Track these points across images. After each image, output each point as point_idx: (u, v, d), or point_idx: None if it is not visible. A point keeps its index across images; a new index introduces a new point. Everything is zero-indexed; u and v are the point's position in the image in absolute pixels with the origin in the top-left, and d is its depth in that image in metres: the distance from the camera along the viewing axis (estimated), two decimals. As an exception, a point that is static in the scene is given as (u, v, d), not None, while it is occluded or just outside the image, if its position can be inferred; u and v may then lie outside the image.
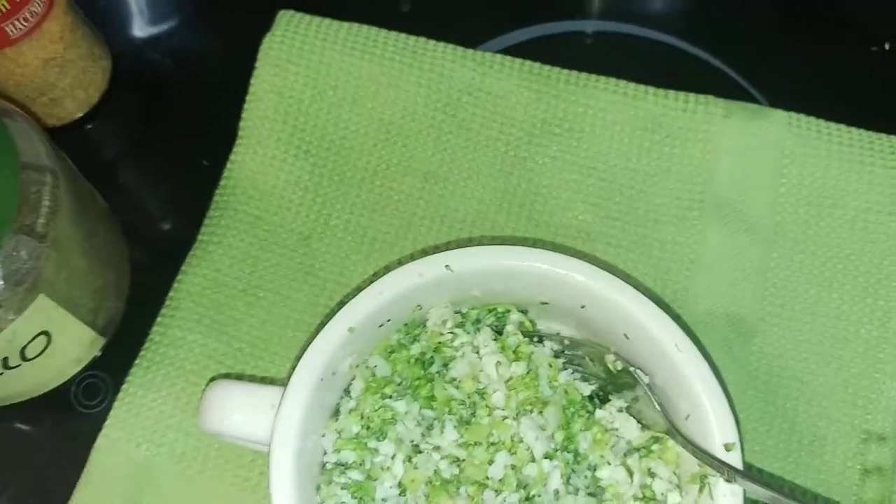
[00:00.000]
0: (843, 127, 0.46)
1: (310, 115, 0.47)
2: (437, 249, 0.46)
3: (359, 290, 0.37)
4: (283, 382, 0.36)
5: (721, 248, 0.45)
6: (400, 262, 0.41)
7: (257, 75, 0.47)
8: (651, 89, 0.47)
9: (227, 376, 0.43)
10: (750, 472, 0.37)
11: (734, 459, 0.34)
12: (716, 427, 0.35)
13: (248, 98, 0.47)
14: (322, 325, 0.36)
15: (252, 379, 0.43)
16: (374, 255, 0.45)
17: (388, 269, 0.40)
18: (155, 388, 0.43)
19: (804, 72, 0.51)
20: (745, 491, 0.34)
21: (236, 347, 0.44)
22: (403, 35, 0.49)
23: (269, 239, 0.45)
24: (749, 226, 0.45)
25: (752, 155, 0.46)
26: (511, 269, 0.37)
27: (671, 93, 0.47)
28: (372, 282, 0.37)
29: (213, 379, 0.41)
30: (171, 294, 0.44)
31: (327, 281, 0.45)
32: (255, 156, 0.46)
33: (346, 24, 0.48)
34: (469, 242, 0.46)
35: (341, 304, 0.37)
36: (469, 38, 0.51)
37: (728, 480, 0.34)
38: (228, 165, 0.47)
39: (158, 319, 0.44)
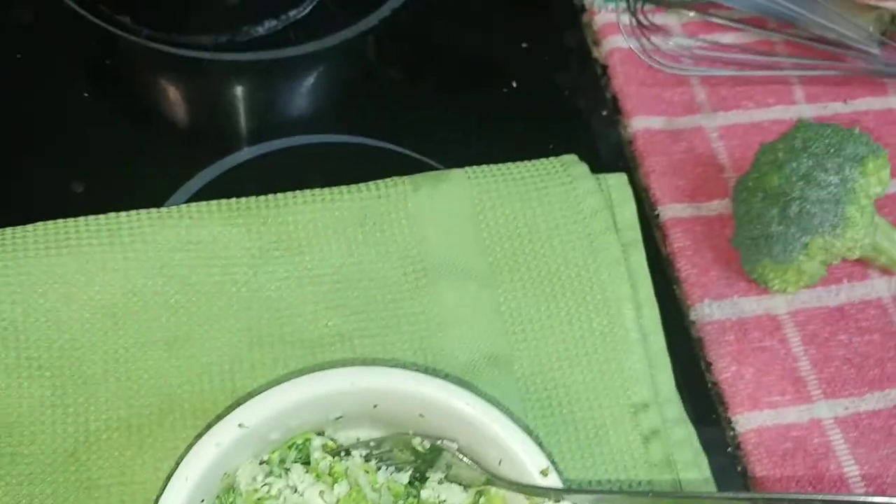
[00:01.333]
0: (510, 164, 0.53)
1: (28, 330, 0.45)
2: (205, 411, 0.45)
3: (160, 482, 0.36)
4: None
5: (456, 303, 0.49)
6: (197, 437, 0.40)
7: (-43, 314, 0.44)
8: (345, 188, 0.51)
9: None
10: (570, 487, 0.42)
11: (553, 481, 0.38)
12: (526, 460, 0.38)
13: (-44, 341, 0.44)
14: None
15: None
16: (147, 440, 0.44)
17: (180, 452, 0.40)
18: None
19: (458, 127, 0.57)
20: (573, 504, 0.38)
21: None
22: (93, 217, 0.48)
23: (35, 471, 0.42)
24: (470, 274, 0.50)
25: (449, 214, 0.51)
26: (301, 401, 0.38)
27: (363, 185, 0.51)
28: (173, 471, 0.36)
29: None
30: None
31: (111, 486, 0.43)
32: (-12, 393, 0.43)
33: (31, 227, 0.47)
34: (234, 391, 0.46)
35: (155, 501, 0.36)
36: (153, 196, 0.51)
37: (556, 501, 0.38)
38: (-40, 415, 0.43)
39: None
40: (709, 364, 0.52)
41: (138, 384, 0.45)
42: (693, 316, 0.53)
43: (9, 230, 0.47)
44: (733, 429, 0.50)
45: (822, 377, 0.51)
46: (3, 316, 0.45)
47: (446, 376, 0.41)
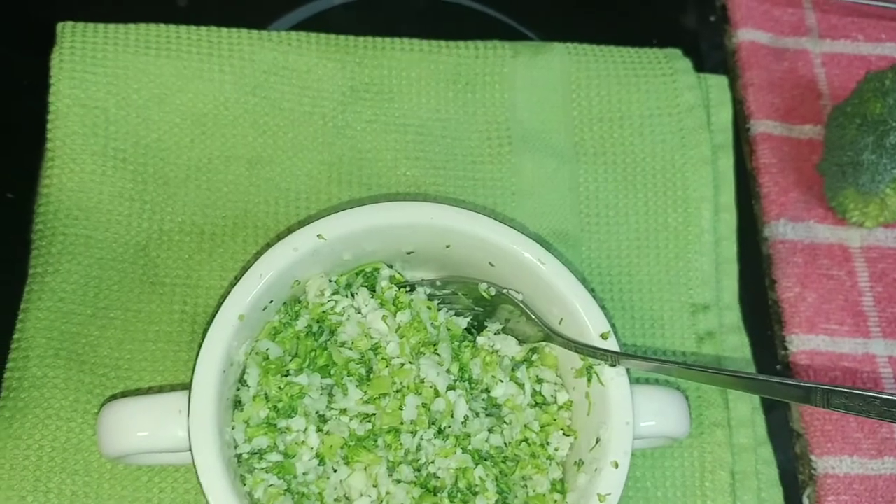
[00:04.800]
0: (613, 48, 0.52)
1: (119, 122, 0.45)
2: (279, 233, 0.46)
3: (235, 279, 0.37)
4: (182, 387, 0.36)
5: (535, 176, 0.49)
6: (268, 245, 0.41)
7: (55, 91, 0.45)
8: (444, 43, 0.51)
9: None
10: (628, 352, 0.42)
11: (612, 345, 0.38)
12: (588, 322, 0.39)
13: (49, 116, 0.45)
14: (211, 319, 0.36)
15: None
16: (218, 250, 0.45)
17: (258, 253, 0.40)
18: (25, 435, 0.40)
19: (565, 6, 0.56)
20: (628, 370, 0.38)
21: (101, 374, 0.42)
22: (194, 27, 0.48)
23: (105, 257, 0.44)
24: (554, 150, 0.50)
25: (543, 86, 0.51)
26: (381, 226, 0.39)
27: (462, 43, 0.51)
28: (248, 267, 0.37)
29: (103, 404, 0.39)
30: (15, 336, 0.42)
31: (176, 286, 0.44)
32: (72, 174, 0.44)
33: (133, 26, 0.47)
34: (310, 218, 0.46)
35: (225, 294, 0.37)
36: (257, 19, 0.51)
37: (612, 364, 0.38)
38: (43, 190, 0.44)
39: (10, 364, 0.41)
40: (773, 282, 0.51)
41: (217, 195, 0.46)
42: (766, 233, 0.52)
43: (112, 26, 0.47)
44: (786, 348, 0.50)
45: (884, 316, 0.51)
46: (97, 103, 0.45)
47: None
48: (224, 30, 0.48)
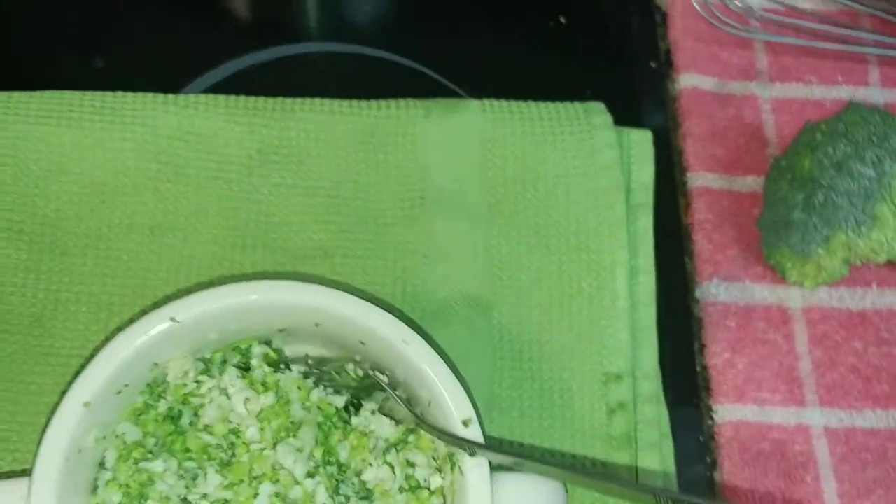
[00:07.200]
0: (531, 103, 0.50)
1: (16, 193, 0.46)
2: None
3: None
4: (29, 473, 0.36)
5: (448, 238, 0.48)
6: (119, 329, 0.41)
7: (-53, 165, 0.45)
8: (355, 102, 0.50)
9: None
10: (490, 443, 0.40)
11: (474, 433, 0.37)
12: (452, 406, 0.37)
13: (-58, 191, 0.45)
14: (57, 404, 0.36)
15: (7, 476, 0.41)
16: (114, 319, 0.45)
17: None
18: None
19: (495, 57, 0.55)
20: (489, 461, 0.36)
21: (-12, 447, 0.42)
22: (100, 93, 0.48)
23: (-1, 329, 0.44)
24: (468, 212, 0.48)
25: (457, 146, 0.49)
26: (239, 306, 0.38)
27: (373, 102, 0.50)
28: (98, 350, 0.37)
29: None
30: None
31: (71, 357, 0.44)
32: (-36, 247, 0.45)
33: (36, 94, 0.47)
34: (206, 285, 0.45)
35: (71, 380, 0.36)
36: (174, 79, 0.51)
37: (471, 454, 0.36)
38: (-63, 264, 0.45)
39: None
40: (703, 346, 0.49)
41: (116, 264, 0.46)
42: (698, 293, 0.50)
43: (15, 94, 0.48)
44: (711, 418, 0.47)
45: (822, 382, 0.48)
46: (-6, 175, 0.46)
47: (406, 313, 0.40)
48: (129, 95, 0.48)
